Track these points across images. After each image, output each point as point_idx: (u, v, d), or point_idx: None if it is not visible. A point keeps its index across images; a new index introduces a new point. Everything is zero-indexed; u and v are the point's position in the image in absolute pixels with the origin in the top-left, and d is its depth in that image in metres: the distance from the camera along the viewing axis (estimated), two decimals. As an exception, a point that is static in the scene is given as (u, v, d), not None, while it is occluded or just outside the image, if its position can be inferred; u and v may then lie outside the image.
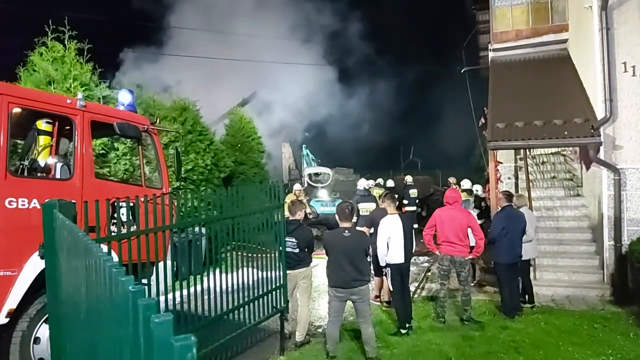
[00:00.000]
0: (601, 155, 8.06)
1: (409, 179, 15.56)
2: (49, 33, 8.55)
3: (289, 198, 12.53)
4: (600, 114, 8.08)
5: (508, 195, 7.37)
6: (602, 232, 8.20)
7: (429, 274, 9.89)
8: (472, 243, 6.72)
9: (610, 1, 7.90)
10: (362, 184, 12.73)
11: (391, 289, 6.64)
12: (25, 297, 4.20)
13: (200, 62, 21.49)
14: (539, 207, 9.67)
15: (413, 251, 6.75)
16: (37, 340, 4.36)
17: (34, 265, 4.15)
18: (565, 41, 10.74)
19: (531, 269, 7.99)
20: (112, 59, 18.68)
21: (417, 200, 15.24)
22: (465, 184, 11.52)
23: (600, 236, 8.30)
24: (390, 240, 6.24)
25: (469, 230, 6.65)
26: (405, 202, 14.41)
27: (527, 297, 7.42)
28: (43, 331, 4.34)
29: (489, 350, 5.67)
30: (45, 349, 4.30)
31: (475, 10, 15.25)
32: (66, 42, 8.72)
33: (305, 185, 16.84)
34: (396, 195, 13.42)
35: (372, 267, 7.00)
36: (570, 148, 10.50)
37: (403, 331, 6.28)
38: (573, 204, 9.81)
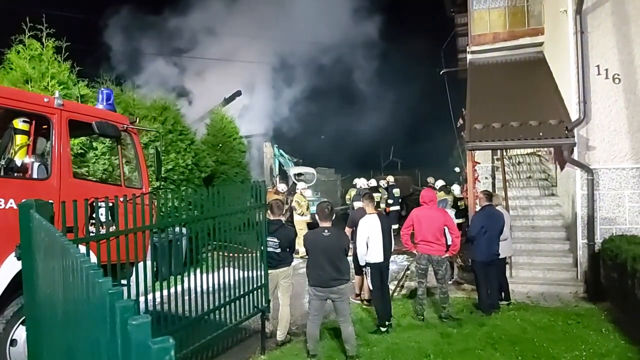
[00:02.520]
0: (575, 156, 8.25)
1: (390, 178, 15.70)
2: (27, 31, 8.37)
3: (298, 197, 12.56)
4: (574, 115, 8.27)
5: (488, 195, 7.51)
6: (575, 231, 8.40)
7: (408, 272, 10.01)
8: (449, 242, 6.85)
9: (584, 5, 8.09)
10: (361, 182, 12.86)
11: (371, 288, 6.71)
12: (1, 298, 4.14)
13: (189, 61, 21.44)
14: (515, 207, 9.87)
15: (392, 250, 6.84)
16: (13, 342, 4.30)
17: (11, 266, 4.09)
18: (541, 44, 10.97)
19: (507, 266, 8.15)
20: (106, 58, 18.44)
21: (400, 200, 15.40)
22: (438, 183, 11.71)
23: (574, 235, 8.51)
24: (369, 240, 6.31)
25: (446, 229, 6.79)
26: (390, 201, 14.51)
27: (503, 294, 7.58)
28: (20, 333, 4.29)
29: (466, 347, 5.78)
30: (22, 351, 4.24)
31: (454, 13, 15.48)
32: (44, 40, 8.57)
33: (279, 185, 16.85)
34: (380, 195, 13.63)
35: (352, 266, 7.08)
36: (545, 149, 10.74)
37: (383, 329, 6.36)
38: (548, 203, 10.04)
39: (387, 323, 6.43)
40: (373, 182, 15.34)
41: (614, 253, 6.89)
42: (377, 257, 6.34)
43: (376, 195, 14.15)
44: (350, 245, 6.43)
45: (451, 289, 8.66)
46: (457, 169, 15.53)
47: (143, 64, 19.47)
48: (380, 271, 6.48)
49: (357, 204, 9.10)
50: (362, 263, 6.54)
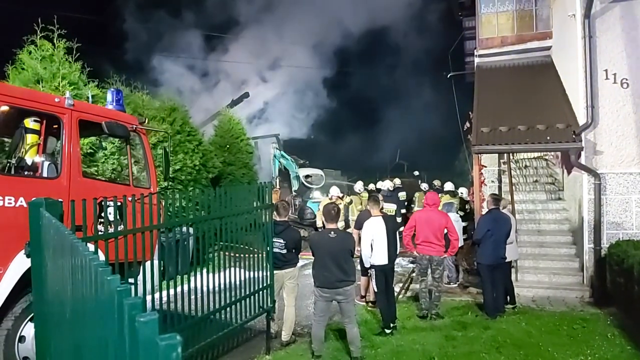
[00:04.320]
0: (582, 160, 8.22)
1: (397, 181, 15.63)
2: (38, 32, 8.48)
3: (322, 204, 12.38)
4: (582, 119, 8.24)
5: (495, 199, 7.52)
6: (582, 235, 8.36)
7: (413, 274, 9.99)
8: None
9: (593, 10, 8.06)
10: (386, 184, 12.85)
11: (375, 290, 6.73)
12: (10, 295, 4.20)
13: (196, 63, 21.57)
14: (521, 210, 9.84)
15: (397, 252, 6.87)
16: (22, 339, 4.36)
17: (20, 263, 4.15)
18: (549, 48, 10.93)
19: (513, 270, 8.13)
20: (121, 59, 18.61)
21: (405, 203, 15.33)
22: (447, 186, 11.66)
23: (581, 239, 8.47)
24: (373, 242, 6.33)
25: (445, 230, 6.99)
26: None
27: (508, 298, 7.56)
28: (28, 330, 4.34)
29: (471, 350, 5.77)
30: (30, 347, 4.30)
31: (461, 16, 15.47)
32: (55, 41, 8.67)
33: (277, 186, 16.80)
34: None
35: (359, 267, 7.12)
36: (553, 153, 10.70)
37: (387, 331, 6.37)
38: (554, 207, 9.99)
39: (391, 325, 6.45)
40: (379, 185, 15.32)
41: (620, 258, 6.85)
42: (381, 259, 6.36)
43: (401, 195, 14.25)
44: (357, 247, 6.46)
45: (457, 292, 8.69)
46: (425, 186, 15.05)
47: (153, 66, 19.63)
48: (384, 274, 6.49)
49: (388, 206, 9.19)
50: (366, 265, 6.57)
